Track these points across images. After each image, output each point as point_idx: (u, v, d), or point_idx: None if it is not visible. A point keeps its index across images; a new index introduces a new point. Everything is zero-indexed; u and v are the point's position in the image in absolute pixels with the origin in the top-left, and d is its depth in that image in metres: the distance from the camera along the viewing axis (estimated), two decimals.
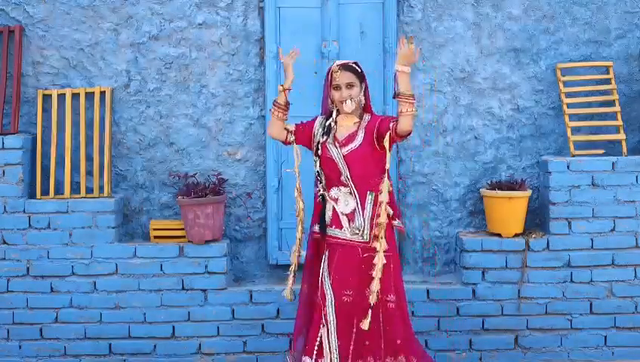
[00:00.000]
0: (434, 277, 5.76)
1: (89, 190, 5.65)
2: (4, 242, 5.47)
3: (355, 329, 4.42)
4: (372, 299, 4.36)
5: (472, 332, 5.49)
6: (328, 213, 4.52)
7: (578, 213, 5.46)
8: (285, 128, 4.62)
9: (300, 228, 4.65)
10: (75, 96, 5.68)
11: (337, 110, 4.56)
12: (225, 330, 5.48)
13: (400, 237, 5.80)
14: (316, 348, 4.45)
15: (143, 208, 5.80)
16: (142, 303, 5.46)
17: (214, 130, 5.76)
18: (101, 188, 5.63)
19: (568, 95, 5.68)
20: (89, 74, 5.72)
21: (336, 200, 4.51)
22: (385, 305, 4.47)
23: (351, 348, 4.42)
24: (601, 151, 5.62)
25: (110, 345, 5.48)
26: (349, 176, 4.47)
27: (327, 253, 4.51)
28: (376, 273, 4.37)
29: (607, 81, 5.69)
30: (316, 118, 4.67)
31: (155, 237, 5.57)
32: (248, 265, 5.82)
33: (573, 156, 5.55)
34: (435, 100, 5.77)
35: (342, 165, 4.47)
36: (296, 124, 4.66)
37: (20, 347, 5.48)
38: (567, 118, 5.62)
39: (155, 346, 5.48)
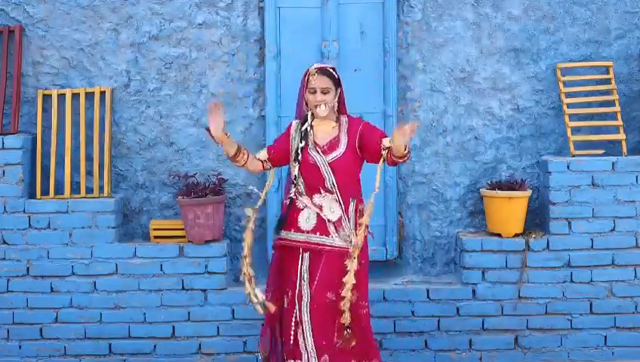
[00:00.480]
0: (434, 277, 5.76)
1: (89, 190, 5.65)
2: (4, 242, 5.47)
3: (336, 333, 4.44)
4: (345, 306, 4.38)
5: (472, 332, 5.49)
6: (310, 221, 4.51)
7: (578, 213, 5.46)
8: (258, 159, 4.63)
9: (247, 246, 4.68)
10: (75, 96, 5.68)
11: (312, 113, 4.57)
12: (225, 330, 5.48)
13: (400, 237, 5.81)
14: (291, 347, 4.50)
15: (143, 208, 5.80)
16: (142, 303, 5.46)
17: None
18: (101, 188, 5.63)
19: (568, 95, 5.68)
20: (89, 74, 5.72)
21: (320, 206, 4.51)
22: (362, 309, 4.52)
23: (327, 352, 4.43)
24: (601, 152, 5.62)
25: (110, 345, 5.48)
26: (334, 183, 4.48)
27: (306, 257, 4.52)
28: (349, 277, 4.41)
29: (607, 81, 5.69)
30: (290, 125, 4.65)
31: (155, 237, 5.58)
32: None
33: (573, 156, 5.55)
34: (435, 100, 5.77)
35: (326, 172, 4.48)
36: (268, 148, 4.66)
37: (20, 347, 5.48)
38: (567, 118, 5.62)
39: (155, 346, 5.48)
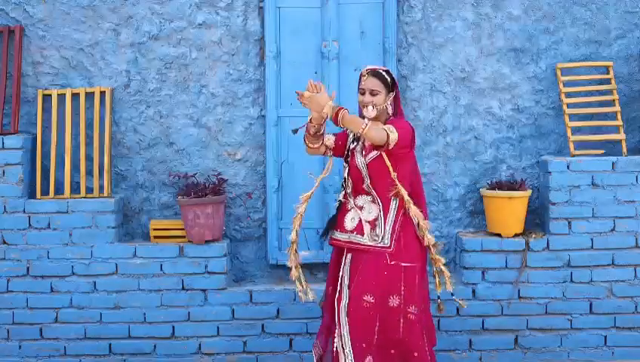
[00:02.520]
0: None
1: (89, 190, 5.65)
2: (4, 242, 5.47)
3: (376, 336, 4.40)
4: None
5: (472, 332, 5.50)
6: (354, 221, 4.53)
7: (578, 213, 5.46)
8: (324, 144, 4.60)
9: (295, 231, 4.69)
10: (75, 96, 5.68)
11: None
12: (225, 330, 5.48)
13: None
14: (333, 351, 4.47)
15: (143, 208, 5.80)
16: (142, 303, 5.46)
17: (214, 130, 5.76)
18: (101, 188, 5.63)
19: (568, 95, 5.68)
20: (89, 74, 5.72)
21: (361, 208, 4.53)
22: (406, 315, 4.43)
23: (370, 354, 4.40)
24: (601, 151, 5.62)
25: (110, 345, 5.48)
26: (369, 185, 4.47)
27: (348, 258, 4.53)
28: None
29: (607, 81, 5.69)
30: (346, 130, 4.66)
31: (155, 237, 5.58)
32: (248, 265, 5.83)
33: (573, 156, 5.55)
34: (435, 100, 5.77)
35: (365, 173, 4.47)
36: (336, 136, 4.63)
37: (19, 347, 5.48)
38: (567, 118, 5.62)
39: (155, 346, 5.48)
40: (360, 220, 4.51)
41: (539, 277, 5.47)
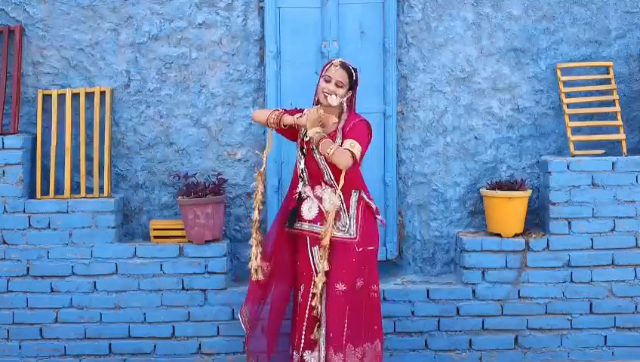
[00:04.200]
0: (434, 277, 5.76)
1: (89, 190, 5.64)
2: (4, 242, 5.47)
3: (346, 320, 4.60)
4: (316, 289, 4.60)
5: (472, 332, 5.50)
6: (312, 211, 4.70)
7: (578, 213, 5.46)
8: (276, 115, 4.83)
9: (256, 211, 4.86)
10: (75, 96, 5.68)
11: (320, 104, 4.69)
12: (225, 330, 5.48)
13: (400, 237, 5.81)
14: (303, 341, 4.70)
15: (143, 208, 5.80)
16: (142, 303, 5.46)
17: (214, 130, 5.76)
18: (101, 188, 5.63)
19: (568, 95, 5.68)
20: (89, 74, 5.72)
21: (320, 198, 4.69)
22: (368, 294, 4.70)
23: (344, 337, 4.59)
24: (601, 151, 5.62)
25: (110, 345, 5.48)
26: (331, 177, 4.63)
27: (315, 251, 4.71)
28: (323, 263, 4.61)
29: (607, 81, 5.69)
30: (302, 109, 4.82)
31: (155, 237, 5.58)
32: (248, 265, 5.81)
33: (573, 156, 5.55)
34: (435, 100, 5.77)
35: (324, 166, 4.64)
36: (284, 110, 4.83)
37: (19, 347, 5.49)
38: (567, 118, 5.62)
39: (155, 346, 5.48)
40: (319, 210, 4.67)
41: (539, 277, 5.47)
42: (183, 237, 5.54)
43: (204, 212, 5.41)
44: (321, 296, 4.65)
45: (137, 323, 5.47)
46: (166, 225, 5.60)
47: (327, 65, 4.71)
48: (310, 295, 4.71)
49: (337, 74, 4.63)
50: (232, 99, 5.75)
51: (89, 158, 5.68)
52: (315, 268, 4.71)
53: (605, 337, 5.50)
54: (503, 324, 5.49)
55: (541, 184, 5.70)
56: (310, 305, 4.69)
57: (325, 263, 4.59)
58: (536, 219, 5.75)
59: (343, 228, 4.67)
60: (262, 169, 4.94)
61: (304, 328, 4.74)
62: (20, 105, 5.67)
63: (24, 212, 5.47)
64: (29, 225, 5.48)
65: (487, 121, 5.79)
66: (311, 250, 4.76)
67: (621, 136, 5.58)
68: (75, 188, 5.67)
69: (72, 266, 5.46)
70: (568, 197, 5.47)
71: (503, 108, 5.79)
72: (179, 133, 5.77)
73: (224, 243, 5.55)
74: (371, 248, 4.75)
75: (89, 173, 5.67)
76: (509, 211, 5.47)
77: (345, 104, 4.71)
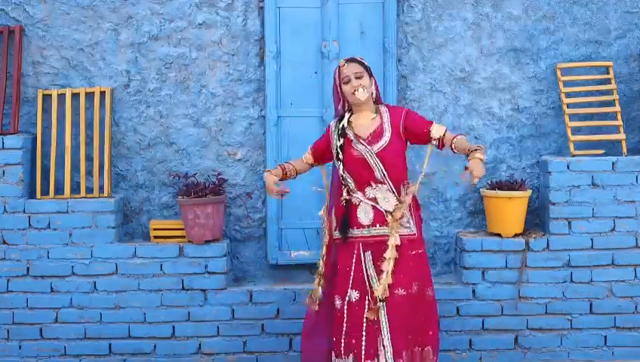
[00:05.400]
0: (434, 277, 5.75)
1: (89, 190, 5.64)
2: (4, 242, 5.47)
3: (407, 326, 4.44)
4: (379, 293, 4.38)
5: (472, 332, 5.50)
6: (369, 215, 4.49)
7: (578, 213, 5.46)
8: (305, 163, 4.77)
9: (327, 238, 4.68)
10: (75, 96, 5.68)
11: (350, 111, 4.58)
12: (225, 330, 5.48)
13: None
14: (363, 352, 4.40)
15: (143, 208, 5.80)
16: (142, 303, 5.46)
17: (214, 130, 5.76)
18: (101, 188, 5.63)
19: (568, 95, 5.68)
20: (89, 74, 5.72)
21: (374, 199, 4.50)
22: (424, 297, 4.53)
23: (405, 343, 4.43)
24: (601, 151, 5.62)
25: (110, 345, 5.48)
26: (384, 173, 4.46)
27: (367, 256, 4.48)
28: (388, 265, 4.43)
29: (607, 81, 5.69)
30: (329, 127, 4.69)
31: (155, 237, 5.58)
32: (248, 265, 5.82)
33: (573, 156, 5.55)
34: (435, 100, 5.77)
35: (374, 163, 4.45)
36: (310, 148, 4.75)
37: (19, 347, 5.48)
38: (567, 118, 5.62)
39: (155, 346, 5.48)
40: (376, 212, 4.48)
41: (539, 277, 5.47)
42: (183, 237, 5.54)
43: (204, 212, 5.41)
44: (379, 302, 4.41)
45: (137, 323, 5.47)
46: (166, 225, 5.60)
47: (335, 73, 4.56)
48: (367, 302, 4.42)
49: (350, 69, 4.48)
50: (232, 99, 5.75)
51: (89, 158, 5.68)
52: (367, 273, 4.45)
53: (605, 337, 5.50)
54: (503, 324, 5.49)
55: (541, 184, 5.70)
56: (370, 312, 4.41)
57: (391, 263, 4.40)
58: (536, 219, 5.75)
59: (408, 225, 4.50)
60: (325, 206, 4.75)
61: (364, 338, 4.40)
62: (20, 105, 5.67)
63: (24, 212, 5.47)
64: (29, 225, 5.48)
65: (487, 121, 5.79)
66: (363, 255, 4.48)
67: (621, 136, 5.58)
68: (75, 188, 5.67)
69: (72, 266, 5.46)
70: (568, 197, 5.47)
71: (503, 108, 5.79)
72: (179, 133, 5.77)
73: (224, 243, 5.55)
74: (421, 251, 4.55)
75: (89, 173, 5.67)
76: (509, 211, 5.47)
77: (374, 93, 4.56)
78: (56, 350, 5.48)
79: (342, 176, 4.54)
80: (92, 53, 5.72)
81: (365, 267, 4.47)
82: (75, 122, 5.68)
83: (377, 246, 4.47)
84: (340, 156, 4.51)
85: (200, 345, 5.49)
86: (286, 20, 5.71)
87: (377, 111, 4.57)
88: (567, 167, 5.47)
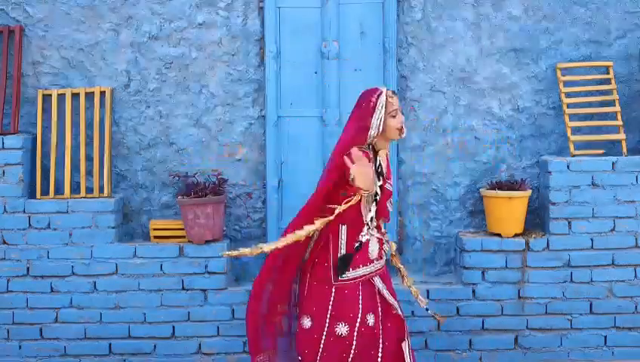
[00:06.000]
0: (434, 277, 5.76)
1: (89, 190, 5.65)
2: (4, 242, 5.47)
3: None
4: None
5: (472, 332, 5.50)
6: (374, 250, 4.29)
7: (578, 213, 5.46)
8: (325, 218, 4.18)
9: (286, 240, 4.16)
10: (75, 96, 5.68)
11: (369, 144, 4.19)
12: (225, 330, 5.48)
13: (400, 238, 5.81)
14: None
15: (143, 208, 5.80)
16: (142, 303, 5.46)
17: (214, 130, 5.76)
18: (101, 188, 5.63)
19: (568, 95, 5.68)
20: (89, 74, 5.72)
21: (384, 233, 4.36)
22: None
23: None
24: (601, 151, 5.62)
25: (110, 345, 5.48)
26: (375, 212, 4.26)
27: (378, 282, 4.30)
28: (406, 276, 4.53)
29: (607, 81, 5.69)
30: (341, 157, 4.08)
31: (155, 237, 5.58)
32: (248, 265, 5.82)
33: (573, 156, 5.55)
34: (435, 100, 5.77)
35: (388, 201, 4.32)
36: (328, 208, 4.15)
37: (19, 347, 5.48)
38: (567, 118, 5.62)
39: (155, 346, 5.48)
40: (379, 246, 4.31)
41: (539, 277, 5.47)
42: (183, 237, 5.54)
43: (204, 212, 5.41)
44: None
45: (137, 323, 5.47)
46: (166, 225, 5.60)
47: (381, 100, 4.12)
48: (394, 315, 4.30)
49: (397, 102, 4.15)
50: (232, 99, 5.76)
51: (89, 158, 5.68)
52: (387, 297, 4.29)
53: (605, 337, 5.50)
54: (503, 324, 5.49)
55: (541, 184, 5.70)
56: (399, 334, 4.31)
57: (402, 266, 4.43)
58: (537, 219, 5.75)
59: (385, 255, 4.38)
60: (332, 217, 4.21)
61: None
62: (20, 105, 5.67)
63: (24, 212, 5.47)
64: (29, 225, 5.48)
65: (487, 121, 5.79)
66: (375, 283, 4.29)
67: (621, 136, 5.58)
68: (75, 188, 5.67)
69: (72, 266, 5.46)
70: (568, 197, 5.47)
71: (503, 108, 5.79)
72: (179, 133, 5.77)
73: (224, 243, 5.55)
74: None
75: (89, 173, 5.67)
76: (509, 211, 5.47)
77: None
78: (56, 350, 5.48)
79: (371, 218, 4.24)
80: (92, 53, 5.72)
81: (382, 294, 4.31)
82: (75, 122, 5.68)
83: (365, 285, 4.28)
84: (378, 197, 4.22)
85: (200, 345, 5.49)
86: (286, 20, 5.71)
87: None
88: (567, 167, 5.47)
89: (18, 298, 5.46)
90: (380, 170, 4.24)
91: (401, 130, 4.17)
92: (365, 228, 4.25)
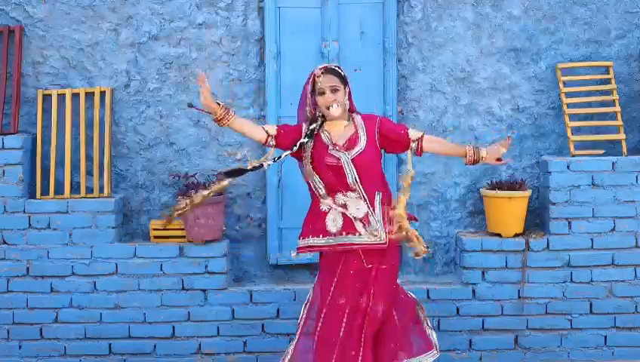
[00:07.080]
0: (434, 277, 5.76)
1: (89, 190, 5.64)
2: (4, 242, 5.47)
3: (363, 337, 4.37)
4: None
5: (472, 332, 5.50)
6: (335, 222, 4.37)
7: (578, 213, 5.46)
8: (264, 130, 4.46)
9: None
10: (75, 96, 5.68)
11: (322, 117, 4.44)
12: (225, 330, 5.48)
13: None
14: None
15: (143, 208, 5.80)
16: (142, 303, 5.46)
17: (214, 130, 5.76)
18: (101, 188, 5.63)
19: (568, 95, 5.68)
20: (89, 74, 5.72)
21: (344, 205, 4.39)
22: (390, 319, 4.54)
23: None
24: (601, 151, 5.62)
25: (110, 345, 5.48)
26: (357, 180, 4.36)
27: (340, 264, 4.36)
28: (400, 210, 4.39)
29: (607, 81, 5.69)
30: (300, 125, 4.47)
31: (155, 237, 5.57)
32: (248, 265, 5.82)
33: (573, 156, 5.55)
34: (435, 100, 5.77)
35: (349, 170, 4.35)
36: (277, 128, 4.47)
37: (19, 347, 5.48)
38: (567, 118, 5.62)
39: (155, 346, 5.48)
40: (345, 219, 4.37)
41: (539, 277, 5.47)
42: (183, 237, 5.54)
43: (204, 212, 5.40)
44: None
45: (137, 323, 5.47)
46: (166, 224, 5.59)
47: (309, 80, 4.42)
48: (371, 300, 4.36)
49: (327, 81, 4.34)
50: (232, 99, 5.75)
51: (89, 158, 5.68)
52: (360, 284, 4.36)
53: (605, 337, 5.50)
54: (503, 324, 5.49)
55: (541, 184, 5.70)
56: (371, 319, 4.36)
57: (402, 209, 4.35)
58: (537, 219, 5.75)
59: (376, 233, 4.35)
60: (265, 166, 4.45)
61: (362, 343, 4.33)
62: (20, 105, 5.67)
63: (24, 212, 5.47)
64: (29, 225, 5.47)
65: (487, 121, 5.79)
66: (345, 262, 4.37)
67: (621, 136, 5.58)
68: (75, 188, 5.67)
69: (72, 266, 5.46)
70: (568, 197, 5.47)
71: (503, 108, 5.79)
72: (179, 133, 5.77)
73: (224, 243, 5.55)
74: (395, 261, 4.50)
75: (89, 173, 5.67)
76: (509, 211, 5.47)
77: (348, 104, 4.44)
78: (56, 350, 5.48)
79: (313, 181, 4.43)
80: (92, 53, 5.72)
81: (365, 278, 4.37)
82: (75, 122, 5.68)
83: (346, 257, 4.36)
84: (310, 161, 4.39)
85: (200, 345, 5.49)
86: (286, 20, 5.71)
87: (350, 119, 4.46)
88: (567, 167, 5.47)
89: (18, 298, 5.46)
90: (311, 133, 4.39)
91: (327, 108, 4.35)
92: (329, 199, 4.39)
